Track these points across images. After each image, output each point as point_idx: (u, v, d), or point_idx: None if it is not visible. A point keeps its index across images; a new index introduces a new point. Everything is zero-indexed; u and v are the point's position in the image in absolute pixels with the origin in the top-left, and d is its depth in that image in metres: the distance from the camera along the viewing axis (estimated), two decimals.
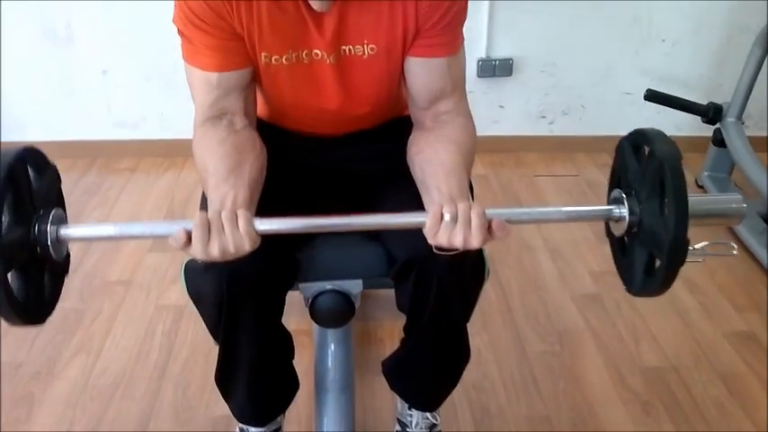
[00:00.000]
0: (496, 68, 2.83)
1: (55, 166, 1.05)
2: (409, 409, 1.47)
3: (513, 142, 2.97)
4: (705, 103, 2.67)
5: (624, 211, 1.03)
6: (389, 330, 1.99)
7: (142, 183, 2.81)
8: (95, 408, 1.74)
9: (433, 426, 1.48)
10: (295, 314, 1.51)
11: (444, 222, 0.98)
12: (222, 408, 1.46)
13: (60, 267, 1.02)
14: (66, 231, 0.98)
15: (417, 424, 1.46)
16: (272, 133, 1.31)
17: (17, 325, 0.92)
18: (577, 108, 3.00)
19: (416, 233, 1.14)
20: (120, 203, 2.66)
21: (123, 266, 2.27)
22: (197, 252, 0.96)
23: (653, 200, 1.00)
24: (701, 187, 2.77)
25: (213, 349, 1.32)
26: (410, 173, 1.23)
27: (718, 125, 2.65)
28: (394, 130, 1.33)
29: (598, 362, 1.91)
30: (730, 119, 2.59)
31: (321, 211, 1.33)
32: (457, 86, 1.22)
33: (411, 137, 1.25)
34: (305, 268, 1.31)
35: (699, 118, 2.70)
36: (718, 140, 2.65)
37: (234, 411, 1.42)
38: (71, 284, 1.82)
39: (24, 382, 1.80)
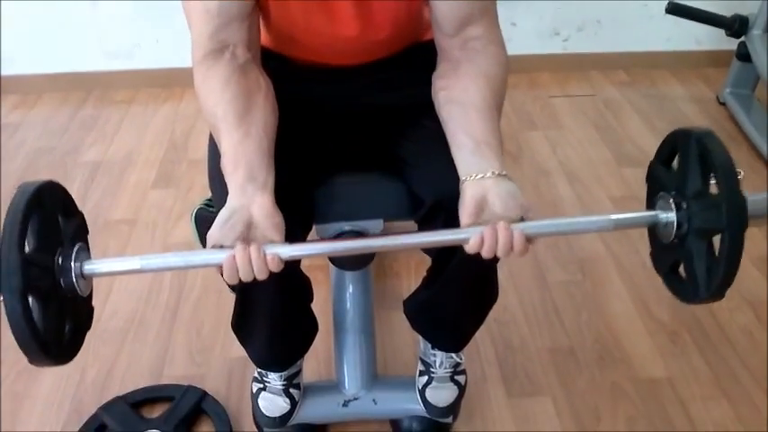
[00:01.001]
0: None
1: (82, 214, 1.02)
2: (432, 348, 1.41)
3: (525, 61, 2.83)
4: (729, 15, 2.53)
5: (672, 215, 0.98)
6: (405, 263, 1.94)
7: (140, 115, 2.70)
8: (107, 352, 1.69)
9: (458, 365, 1.43)
10: None
11: (486, 246, 0.97)
12: (238, 348, 1.41)
13: (83, 316, 0.99)
14: (90, 267, 0.94)
15: (441, 364, 1.41)
16: (279, 64, 1.20)
17: (33, 355, 0.87)
18: (593, 23, 2.86)
19: (443, 171, 1.07)
20: (119, 138, 2.55)
21: (126, 204, 2.20)
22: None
23: (698, 190, 0.96)
24: (722, 104, 2.66)
25: (225, 287, 1.25)
26: (432, 106, 1.13)
27: (742, 38, 2.52)
28: (414, 57, 1.22)
29: (621, 291, 1.86)
30: (756, 31, 2.47)
31: (336, 152, 1.26)
32: (487, 9, 1.10)
33: (437, 70, 1.15)
34: (322, 208, 1.23)
35: (722, 31, 2.57)
36: (743, 54, 2.53)
37: (252, 357, 1.37)
38: None
39: None
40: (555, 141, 2.49)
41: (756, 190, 2.30)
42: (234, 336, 1.35)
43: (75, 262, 0.93)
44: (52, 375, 1.63)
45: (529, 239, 0.99)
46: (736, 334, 1.73)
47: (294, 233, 1.16)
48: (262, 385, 1.41)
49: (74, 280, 0.92)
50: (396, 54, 1.23)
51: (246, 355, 1.38)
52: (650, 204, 1.06)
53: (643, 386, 1.60)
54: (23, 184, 0.91)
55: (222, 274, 0.98)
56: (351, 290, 1.46)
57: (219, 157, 1.05)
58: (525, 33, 2.81)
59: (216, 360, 1.68)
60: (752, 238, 2.00)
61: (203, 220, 1.16)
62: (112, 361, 1.67)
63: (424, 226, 1.18)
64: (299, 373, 1.42)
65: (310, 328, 1.36)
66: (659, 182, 1.04)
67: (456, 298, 1.27)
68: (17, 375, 1.63)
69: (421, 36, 1.25)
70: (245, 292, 1.20)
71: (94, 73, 2.83)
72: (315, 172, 1.22)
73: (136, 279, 1.90)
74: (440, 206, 1.10)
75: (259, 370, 1.41)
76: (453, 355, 1.42)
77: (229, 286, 1.21)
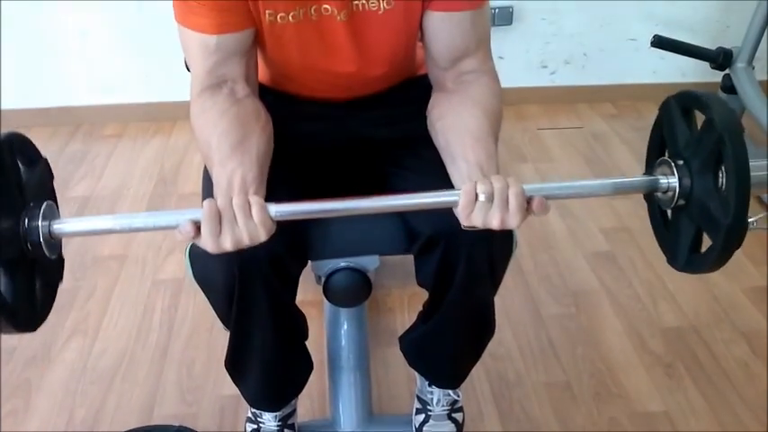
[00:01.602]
0: (496, 17, 2.70)
1: (46, 160, 0.95)
2: (429, 386, 1.39)
3: (513, 94, 2.84)
4: (711, 47, 2.57)
5: (674, 180, 0.94)
6: (399, 299, 1.92)
7: (129, 149, 2.68)
8: (96, 393, 1.66)
9: (455, 402, 1.42)
10: (301, 284, 1.42)
11: (479, 203, 0.90)
12: (230, 386, 1.38)
13: (53, 271, 0.93)
14: (59, 226, 0.88)
15: (439, 401, 1.40)
16: (276, 100, 1.20)
17: (5, 331, 0.83)
18: (579, 56, 2.89)
19: None
20: (109, 172, 2.53)
21: (116, 240, 2.17)
22: (207, 245, 0.87)
23: (707, 172, 0.91)
24: None
25: (216, 323, 1.23)
26: (429, 138, 1.13)
27: (727, 71, 2.55)
28: (409, 91, 1.23)
29: (616, 324, 1.85)
30: (740, 64, 2.49)
31: (334, 184, 1.25)
32: (482, 43, 1.11)
33: (431, 100, 1.15)
34: (318, 244, 1.22)
35: (707, 64, 2.60)
36: (728, 87, 2.55)
37: (246, 397, 1.34)
38: None
39: (20, 369, 1.71)
40: (545, 173, 2.50)
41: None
42: (226, 373, 1.32)
43: (42, 221, 0.86)
44: (40, 417, 1.59)
45: (528, 201, 0.91)
46: (732, 366, 1.72)
47: (289, 267, 1.15)
48: (256, 426, 1.38)
49: (41, 242, 0.86)
50: (391, 89, 1.23)
51: (239, 393, 1.36)
52: (650, 165, 1.03)
53: (641, 421, 1.58)
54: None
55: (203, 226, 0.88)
56: (345, 327, 1.44)
57: (212, 190, 1.04)
58: (513, 66, 2.84)
59: (207, 398, 1.65)
60: (745, 270, 2.02)
61: (196, 255, 1.15)
62: (101, 401, 1.64)
63: (420, 259, 1.17)
64: (293, 413, 1.40)
65: (305, 366, 1.34)
66: (670, 137, 1.00)
67: (454, 332, 1.25)
68: (3, 418, 1.59)
69: (415, 71, 1.26)
70: (240, 331, 1.18)
71: (83, 107, 2.82)
72: (310, 200, 1.20)
73: (125, 317, 1.87)
74: (437, 239, 1.09)
75: (253, 410, 1.39)
76: (450, 392, 1.40)
77: (223, 322, 1.20)
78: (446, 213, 1.04)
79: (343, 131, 1.24)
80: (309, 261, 1.25)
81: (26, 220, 0.85)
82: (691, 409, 1.61)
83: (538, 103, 2.92)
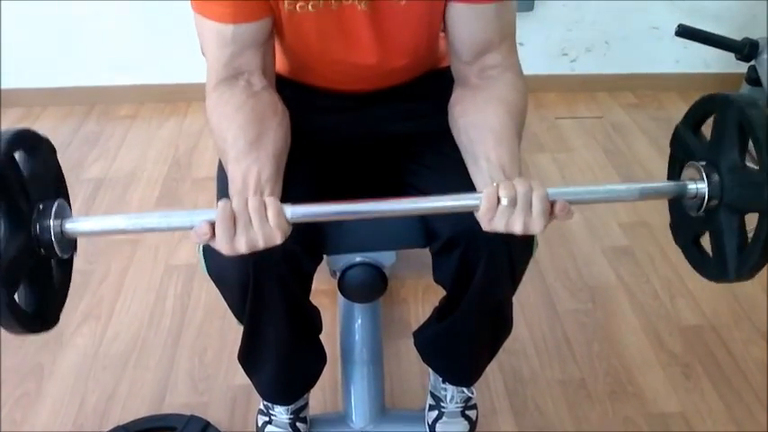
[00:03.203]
0: (517, 3, 2.64)
1: (48, 141, 0.92)
2: (443, 383, 1.38)
3: (532, 82, 2.74)
4: (737, 37, 2.51)
5: (702, 186, 0.92)
6: (413, 289, 1.90)
7: (144, 131, 2.67)
8: (108, 379, 1.65)
9: (469, 399, 1.40)
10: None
11: (501, 207, 0.88)
12: (242, 376, 1.37)
13: (66, 270, 0.91)
14: (71, 226, 0.86)
15: (453, 398, 1.38)
16: (293, 92, 1.17)
17: (19, 332, 0.81)
18: (601, 44, 2.83)
19: None
20: (123, 154, 2.52)
21: None
22: (222, 247, 0.86)
23: (734, 159, 0.89)
24: None
25: (229, 312, 1.21)
26: (450, 134, 1.10)
27: (752, 62, 2.49)
28: (431, 84, 1.20)
29: (633, 321, 1.82)
30: (767, 56, 2.43)
31: (350, 179, 1.23)
32: (506, 37, 1.08)
33: (453, 96, 1.11)
34: (334, 238, 1.20)
35: (731, 54, 2.55)
36: (753, 79, 2.49)
37: (259, 390, 1.33)
38: None
39: (32, 353, 1.71)
40: (563, 164, 2.46)
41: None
42: (238, 363, 1.31)
43: (54, 220, 0.84)
44: (51, 402, 1.59)
45: (552, 206, 0.90)
46: (750, 367, 1.69)
47: (304, 263, 1.13)
48: (268, 418, 1.37)
49: (54, 241, 0.84)
50: (412, 81, 1.20)
51: (251, 383, 1.35)
52: (673, 173, 1.00)
53: (656, 421, 1.56)
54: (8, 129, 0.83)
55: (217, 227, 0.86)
56: (360, 321, 1.43)
57: (227, 185, 1.02)
58: (533, 53, 2.78)
59: (219, 388, 1.64)
60: (766, 269, 1.97)
61: (210, 252, 1.12)
62: (113, 387, 1.63)
63: (439, 258, 1.14)
64: (305, 406, 1.39)
65: (319, 360, 1.32)
66: (686, 149, 0.98)
67: (470, 332, 1.23)
68: (15, 402, 1.59)
69: (437, 63, 1.23)
70: (254, 324, 1.16)
71: (98, 87, 2.80)
72: (327, 201, 1.18)
73: (138, 302, 1.86)
74: (456, 240, 1.07)
75: (265, 402, 1.38)
76: (465, 389, 1.38)
77: (237, 317, 1.19)
78: (466, 213, 1.01)
79: (361, 124, 1.22)
80: (325, 255, 1.23)
81: (37, 220, 0.84)
82: (708, 410, 1.59)
83: (557, 91, 2.88)
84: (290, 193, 1.01)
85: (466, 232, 1.02)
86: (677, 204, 1.00)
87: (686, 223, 0.98)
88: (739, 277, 0.90)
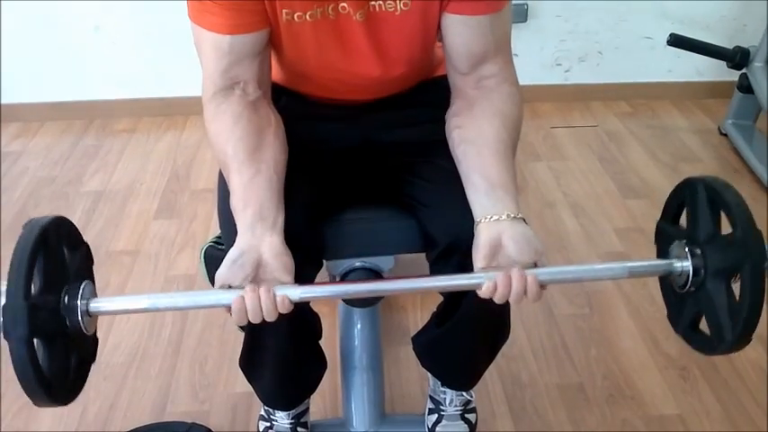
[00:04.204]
0: (512, 14, 2.68)
1: (87, 245, 1.00)
2: (442, 386, 1.39)
3: (527, 92, 2.73)
4: (728, 46, 2.54)
5: (687, 264, 0.96)
6: (412, 297, 1.91)
7: (142, 145, 2.69)
8: (109, 388, 1.66)
9: (468, 402, 1.41)
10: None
11: (499, 293, 0.96)
12: (243, 384, 1.39)
13: (88, 348, 0.97)
14: (96, 305, 0.92)
15: (452, 402, 1.39)
16: (290, 100, 1.20)
17: (40, 403, 0.86)
18: (594, 54, 2.87)
19: (457, 212, 1.06)
20: (121, 167, 2.54)
21: (129, 235, 2.18)
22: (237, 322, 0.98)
23: (721, 278, 0.93)
24: (724, 135, 2.66)
25: (229, 320, 1.22)
26: (446, 144, 1.12)
27: (744, 70, 2.53)
28: (427, 92, 1.22)
29: (630, 325, 1.84)
30: (758, 63, 2.48)
31: (347, 187, 1.25)
32: (501, 48, 1.10)
33: (451, 107, 1.14)
34: (333, 244, 1.21)
35: (723, 62, 2.58)
36: (744, 86, 2.53)
37: (260, 395, 1.34)
38: None
39: None
40: (559, 172, 2.49)
41: (759, 220, 2.30)
42: (238, 371, 1.33)
43: (81, 300, 0.91)
44: (53, 412, 1.60)
45: (542, 285, 0.98)
46: (747, 369, 1.70)
47: (304, 270, 1.14)
48: (269, 424, 1.38)
49: (79, 319, 0.90)
50: (408, 90, 1.23)
51: (251, 390, 1.36)
52: (662, 255, 1.04)
53: (654, 423, 1.57)
54: (29, 223, 0.89)
55: (231, 315, 0.96)
56: (359, 327, 1.44)
57: (229, 194, 1.04)
58: (527, 64, 2.81)
59: (220, 396, 1.65)
60: None
61: (213, 259, 1.15)
62: (114, 396, 1.64)
63: (436, 266, 1.16)
64: (306, 411, 1.40)
65: (319, 366, 1.33)
66: (669, 235, 1.03)
67: (468, 336, 1.25)
68: (17, 411, 1.60)
69: (433, 72, 1.25)
70: (255, 331, 1.17)
71: (96, 102, 2.82)
72: (325, 208, 1.20)
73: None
74: (454, 248, 1.08)
75: (266, 408, 1.39)
76: (464, 392, 1.40)
77: (239, 325, 1.20)
78: (463, 220, 1.04)
79: (358, 132, 1.24)
80: (324, 261, 1.25)
81: (66, 298, 0.90)
82: (705, 412, 1.60)
83: (552, 100, 2.91)
84: (288, 202, 1.03)
85: (463, 239, 1.04)
86: (668, 288, 1.04)
87: (680, 305, 1.02)
88: (737, 341, 0.93)
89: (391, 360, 1.70)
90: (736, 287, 0.92)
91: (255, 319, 0.95)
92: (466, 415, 1.41)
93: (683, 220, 1.03)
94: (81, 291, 0.91)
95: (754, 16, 2.72)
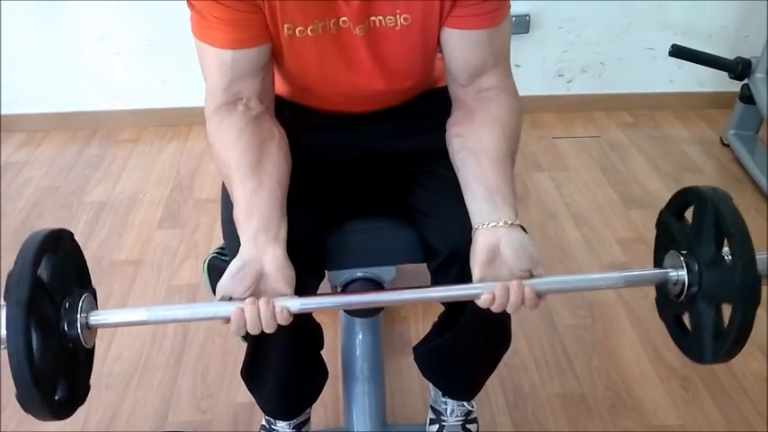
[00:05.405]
0: (513, 25, 2.67)
1: (76, 245, 0.99)
2: (443, 396, 1.39)
3: (529, 102, 2.80)
4: (730, 56, 2.55)
5: (682, 273, 0.97)
6: (413, 307, 1.91)
7: (146, 155, 2.70)
8: (111, 398, 1.67)
9: (469, 413, 1.41)
10: None
11: (497, 303, 0.97)
12: (244, 394, 1.40)
13: (87, 360, 0.98)
14: (95, 318, 0.93)
15: (453, 412, 1.39)
16: (293, 112, 1.20)
17: (39, 414, 0.88)
18: (596, 65, 2.88)
19: (457, 222, 1.06)
20: (125, 177, 2.55)
21: (132, 245, 2.18)
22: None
23: (710, 250, 0.95)
24: (726, 145, 2.67)
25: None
26: (446, 153, 1.13)
27: (746, 81, 2.54)
28: (427, 103, 1.22)
29: (631, 335, 1.84)
30: (760, 74, 2.48)
31: (348, 198, 1.26)
32: (500, 60, 1.11)
33: (451, 117, 1.15)
34: (334, 254, 1.21)
35: (724, 73, 2.59)
36: (746, 97, 2.54)
37: (261, 406, 1.34)
38: None
39: None
40: (561, 183, 2.49)
41: (760, 230, 2.31)
42: (240, 380, 1.34)
43: (80, 313, 0.91)
44: (55, 422, 1.59)
45: (539, 295, 0.99)
46: (749, 380, 1.70)
47: (306, 280, 1.15)
48: None
49: (79, 332, 0.91)
50: (409, 101, 1.23)
51: (253, 400, 1.36)
52: (659, 258, 1.05)
53: None
54: (31, 236, 0.89)
55: (231, 327, 0.97)
56: (361, 337, 1.44)
57: (232, 206, 1.05)
58: (529, 75, 2.83)
59: (222, 405, 1.65)
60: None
61: (216, 270, 1.15)
62: (116, 406, 1.65)
63: (437, 275, 1.16)
64: (307, 421, 1.40)
65: (320, 376, 1.34)
66: (669, 235, 1.03)
67: (469, 346, 1.25)
68: (18, 422, 1.60)
69: (434, 84, 1.25)
70: (257, 341, 1.18)
71: (100, 112, 2.84)
72: (327, 218, 1.21)
73: None
74: (454, 258, 1.09)
75: (267, 418, 1.39)
76: (465, 402, 1.40)
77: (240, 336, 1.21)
78: (463, 231, 1.05)
79: (360, 143, 1.24)
80: (327, 272, 1.26)
81: (66, 312, 0.90)
82: (707, 422, 1.60)
83: (554, 111, 2.92)
84: (290, 213, 1.04)
85: (463, 249, 1.04)
86: (661, 287, 1.04)
87: (669, 303, 1.03)
88: (715, 361, 0.95)
89: (393, 370, 1.70)
90: (726, 307, 0.92)
91: (254, 331, 0.95)
92: (467, 425, 1.41)
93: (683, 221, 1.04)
94: (81, 304, 0.92)
95: (755, 27, 2.73)
